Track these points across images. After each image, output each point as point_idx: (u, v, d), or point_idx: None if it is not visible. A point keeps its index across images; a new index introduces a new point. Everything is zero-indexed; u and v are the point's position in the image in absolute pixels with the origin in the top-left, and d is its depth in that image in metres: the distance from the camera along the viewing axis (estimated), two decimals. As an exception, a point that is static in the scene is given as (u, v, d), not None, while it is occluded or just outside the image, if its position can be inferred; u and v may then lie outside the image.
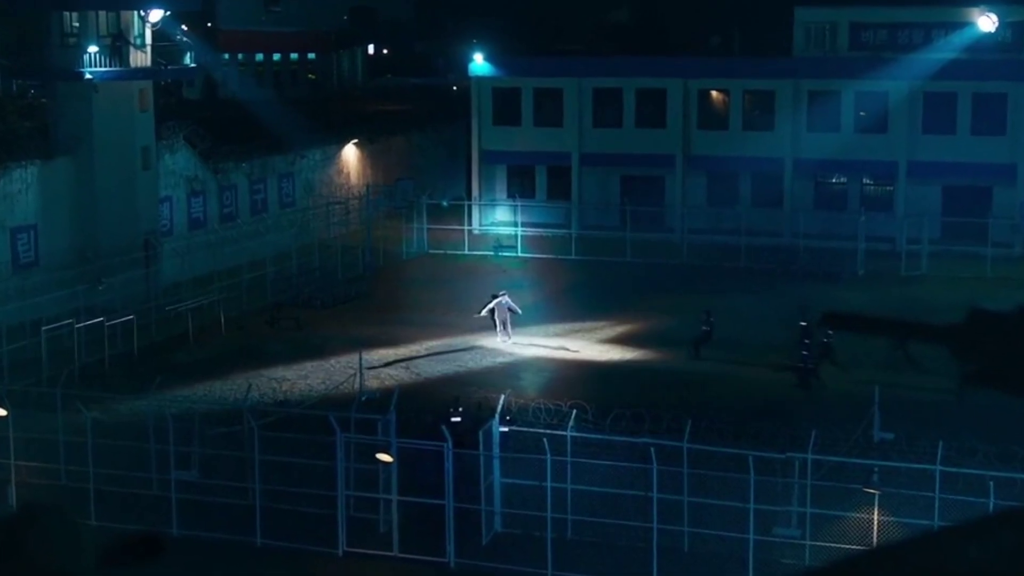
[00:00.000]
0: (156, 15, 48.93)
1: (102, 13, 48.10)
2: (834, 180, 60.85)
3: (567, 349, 42.32)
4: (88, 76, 47.26)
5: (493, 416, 28.66)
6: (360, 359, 36.86)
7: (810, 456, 26.68)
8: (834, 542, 26.16)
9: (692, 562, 26.75)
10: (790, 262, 53.29)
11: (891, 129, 58.72)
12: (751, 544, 26.21)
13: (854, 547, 25.79)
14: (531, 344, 42.56)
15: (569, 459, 28.23)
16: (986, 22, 61.52)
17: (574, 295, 49.80)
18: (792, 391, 37.21)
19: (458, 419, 29.46)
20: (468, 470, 27.64)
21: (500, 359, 41.28)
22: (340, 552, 27.56)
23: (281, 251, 51.95)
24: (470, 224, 61.16)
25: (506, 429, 29.25)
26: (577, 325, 44.98)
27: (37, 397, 33.35)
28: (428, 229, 58.93)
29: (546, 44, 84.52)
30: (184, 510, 28.62)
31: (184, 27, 56.82)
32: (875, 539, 26.19)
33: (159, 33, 49.91)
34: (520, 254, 57.59)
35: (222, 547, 27.74)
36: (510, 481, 28.52)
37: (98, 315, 41.28)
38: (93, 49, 47.62)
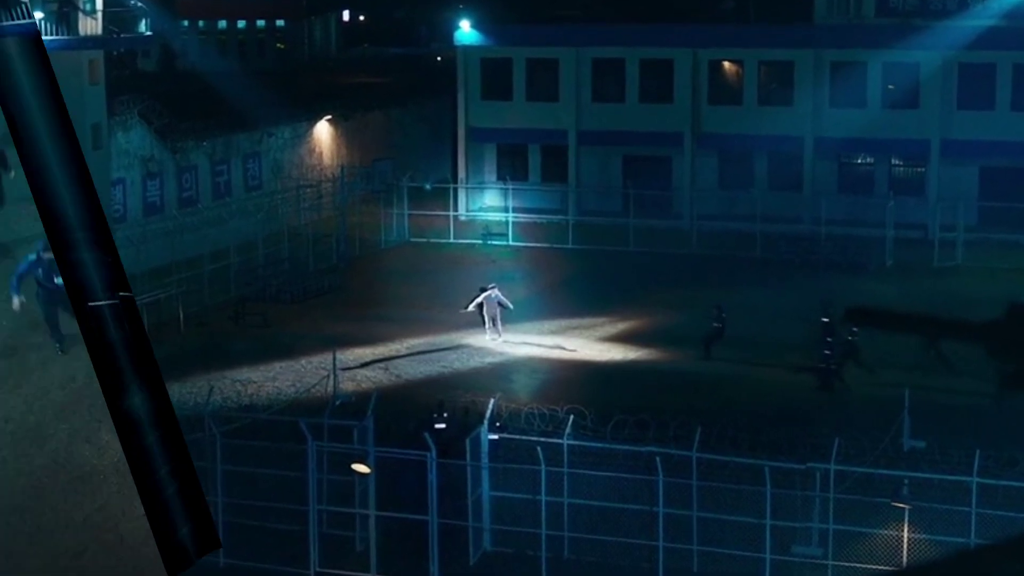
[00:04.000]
0: (107, -23, 48.93)
1: (47, -25, 48.11)
2: (859, 161, 60.95)
3: (563, 348, 42.36)
4: (32, 45, 47.12)
5: (481, 422, 28.68)
6: (334, 359, 36.85)
7: (833, 467, 26.72)
8: (859, 562, 26.21)
9: (702, 584, 26.85)
10: (811, 252, 53.37)
11: (923, 104, 58.79)
12: (767, 564, 26.29)
13: (881, 568, 25.88)
14: (523, 342, 42.61)
15: (566, 470, 28.23)
16: (1028, -14, 61.60)
17: (571, 288, 49.85)
18: (813, 394, 37.27)
19: (443, 426, 29.49)
20: (454, 482, 27.66)
21: (489, 359, 41.31)
22: (312, 573, 27.58)
23: (246, 239, 51.88)
24: (456, 210, 61.16)
25: (496, 437, 29.26)
26: (574, 321, 45.03)
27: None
28: (409, 215, 58.91)
29: (540, 10, 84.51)
30: (139, 527, 28.58)
31: (139, -10, 56.73)
32: (905, 559, 26.25)
33: (111, -3, 49.88)
34: (511, 243, 57.62)
35: (181, 568, 27.71)
36: (500, 494, 28.56)
37: (43, 310, 41.20)
38: (37, 15, 47.53)
